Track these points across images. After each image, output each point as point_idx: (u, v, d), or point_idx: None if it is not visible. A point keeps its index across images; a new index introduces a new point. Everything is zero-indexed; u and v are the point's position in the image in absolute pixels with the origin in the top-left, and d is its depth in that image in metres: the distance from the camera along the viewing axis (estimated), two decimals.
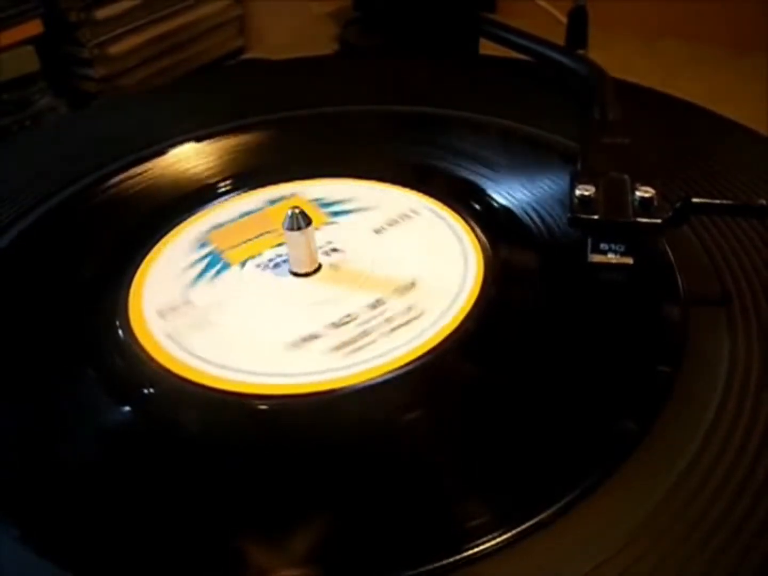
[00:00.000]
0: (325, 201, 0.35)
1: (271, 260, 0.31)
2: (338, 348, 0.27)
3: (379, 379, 0.25)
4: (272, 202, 0.35)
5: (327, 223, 0.33)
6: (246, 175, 0.37)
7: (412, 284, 0.29)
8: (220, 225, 0.34)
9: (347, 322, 0.28)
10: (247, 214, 0.35)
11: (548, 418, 0.24)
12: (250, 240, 0.33)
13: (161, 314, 0.29)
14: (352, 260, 0.31)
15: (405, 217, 0.33)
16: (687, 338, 0.26)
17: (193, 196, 0.36)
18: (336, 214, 0.34)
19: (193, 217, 0.35)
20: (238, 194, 0.36)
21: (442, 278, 0.29)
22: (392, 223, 0.33)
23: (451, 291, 0.28)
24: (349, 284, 0.29)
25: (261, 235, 0.33)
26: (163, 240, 0.33)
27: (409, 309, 0.28)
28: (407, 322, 0.27)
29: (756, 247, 0.30)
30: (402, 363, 0.26)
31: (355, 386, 0.25)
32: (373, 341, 0.27)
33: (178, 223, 0.34)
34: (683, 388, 0.24)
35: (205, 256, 0.32)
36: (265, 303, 0.29)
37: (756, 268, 0.29)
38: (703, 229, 0.31)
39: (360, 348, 0.26)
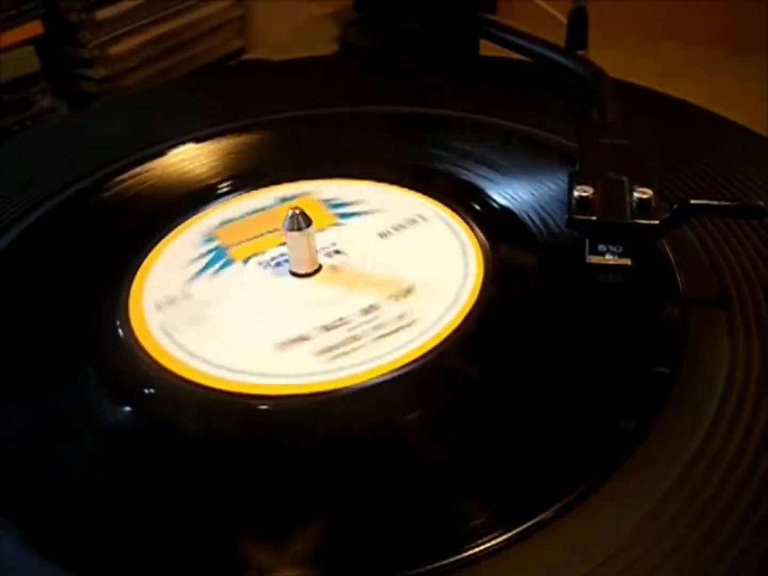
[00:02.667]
0: (336, 202, 0.35)
1: (273, 259, 0.31)
2: (323, 352, 0.27)
3: (361, 385, 0.25)
4: (284, 200, 0.35)
5: (334, 225, 0.33)
6: (256, 174, 0.37)
7: (409, 291, 0.29)
8: (229, 221, 0.34)
9: (338, 326, 0.28)
10: (257, 211, 0.35)
11: (548, 419, 0.24)
12: (256, 237, 0.33)
13: (158, 306, 0.30)
14: (352, 263, 0.31)
15: (412, 222, 0.33)
16: (687, 338, 0.26)
17: (198, 195, 0.36)
18: (344, 216, 0.34)
19: (201, 214, 0.35)
20: (249, 192, 0.36)
21: (439, 287, 0.29)
22: (398, 227, 0.33)
23: (446, 301, 0.28)
24: (346, 288, 0.29)
25: (268, 232, 0.33)
26: (169, 236, 0.34)
27: (401, 317, 0.28)
28: (396, 330, 0.27)
29: (756, 247, 0.30)
30: (385, 371, 0.26)
31: (344, 389, 0.25)
32: (360, 347, 0.27)
33: (183, 221, 0.35)
34: (683, 388, 0.24)
35: (211, 251, 0.32)
36: (261, 302, 0.29)
37: (756, 268, 0.29)
38: (703, 229, 0.31)
39: (345, 353, 0.26)
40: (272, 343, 0.27)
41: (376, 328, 0.27)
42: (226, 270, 0.31)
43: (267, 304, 0.29)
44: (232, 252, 0.32)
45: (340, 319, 0.28)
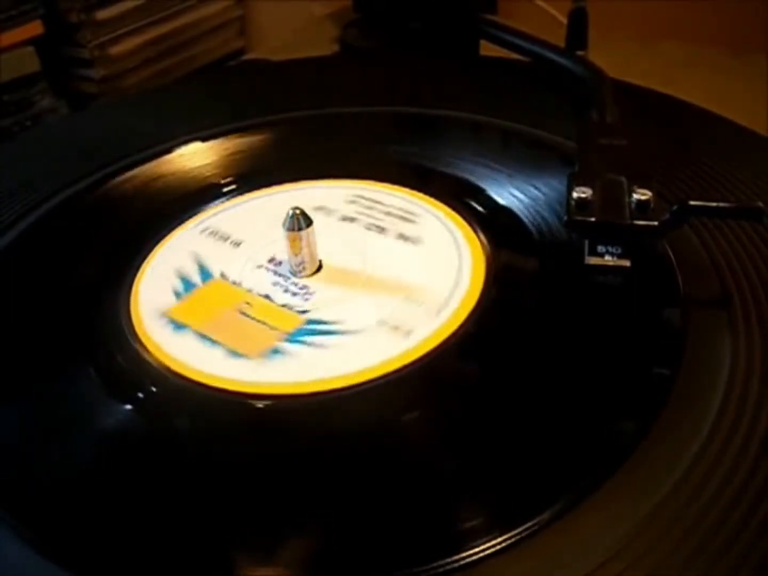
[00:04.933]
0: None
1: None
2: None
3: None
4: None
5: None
6: (256, 174, 0.38)
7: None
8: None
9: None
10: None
11: (547, 420, 0.24)
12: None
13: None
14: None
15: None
16: (687, 338, 0.26)
17: (198, 195, 0.37)
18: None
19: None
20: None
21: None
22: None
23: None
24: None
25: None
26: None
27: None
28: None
29: (757, 247, 0.30)
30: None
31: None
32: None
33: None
34: (683, 389, 0.24)
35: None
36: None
37: (757, 268, 0.29)
38: (704, 229, 0.31)
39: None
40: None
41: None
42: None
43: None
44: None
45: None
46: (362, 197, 0.35)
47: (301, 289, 0.30)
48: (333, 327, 0.28)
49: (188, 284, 0.31)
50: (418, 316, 0.28)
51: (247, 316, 0.29)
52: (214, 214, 0.35)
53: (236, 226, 0.34)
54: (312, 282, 0.30)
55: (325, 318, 0.28)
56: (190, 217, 0.35)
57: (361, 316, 0.28)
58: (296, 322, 0.28)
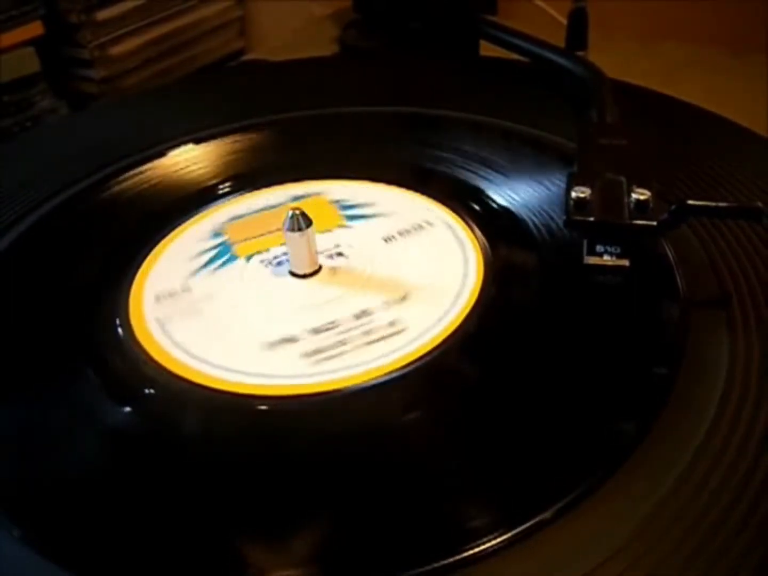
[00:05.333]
0: (347, 203, 0.35)
1: (275, 257, 0.31)
2: (310, 355, 0.27)
3: (361, 386, 0.25)
4: (296, 198, 0.35)
5: (341, 226, 0.33)
6: (256, 174, 0.38)
7: (404, 298, 0.29)
8: (239, 216, 0.35)
9: (328, 329, 0.28)
10: (268, 209, 0.35)
11: (547, 420, 0.24)
12: (262, 235, 0.33)
13: (158, 299, 0.30)
14: (352, 266, 0.31)
15: (418, 227, 0.33)
16: (687, 338, 0.26)
17: (198, 195, 0.37)
18: (352, 218, 0.34)
19: (208, 210, 0.35)
20: (253, 192, 0.36)
21: (435, 296, 0.29)
22: (404, 233, 0.33)
23: (440, 310, 0.28)
24: (343, 291, 0.29)
25: (275, 230, 0.33)
26: (170, 235, 0.34)
27: (392, 324, 0.28)
28: (385, 337, 0.27)
29: (756, 247, 0.30)
30: (383, 372, 0.26)
31: (343, 390, 0.25)
32: (347, 352, 0.27)
33: (183, 221, 0.35)
34: (683, 389, 0.24)
35: (216, 246, 0.33)
36: (256, 299, 0.30)
37: (756, 268, 0.29)
38: (703, 229, 0.31)
39: (331, 357, 0.26)
40: (261, 342, 0.27)
41: (366, 333, 0.27)
42: (229, 266, 0.31)
43: (262, 302, 0.29)
44: (237, 248, 0.32)
45: (331, 322, 0.28)
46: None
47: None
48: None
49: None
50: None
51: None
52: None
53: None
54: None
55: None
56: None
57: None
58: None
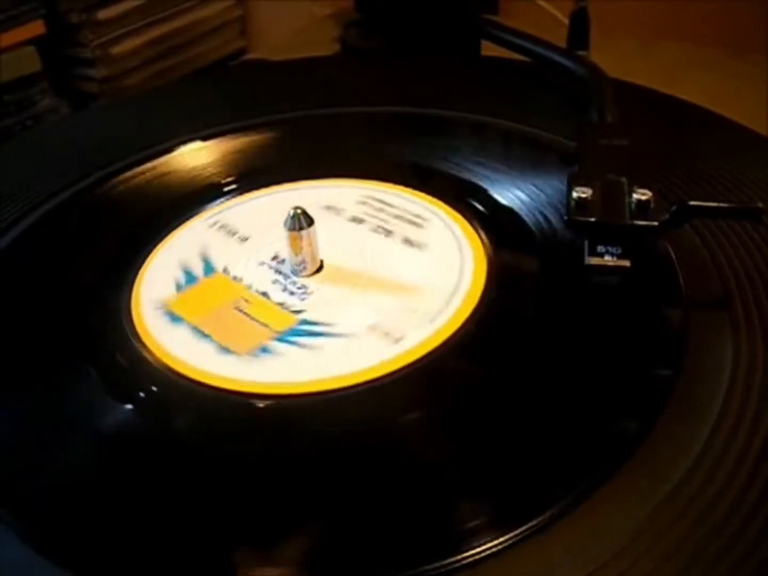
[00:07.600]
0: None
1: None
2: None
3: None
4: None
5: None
6: (257, 174, 0.38)
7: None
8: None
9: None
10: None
11: (548, 421, 0.24)
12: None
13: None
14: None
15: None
16: (689, 339, 0.26)
17: (199, 195, 0.37)
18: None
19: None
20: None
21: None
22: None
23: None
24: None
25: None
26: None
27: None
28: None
29: (759, 247, 0.30)
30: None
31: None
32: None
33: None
34: (685, 390, 0.24)
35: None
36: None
37: (759, 268, 0.29)
38: (705, 229, 0.31)
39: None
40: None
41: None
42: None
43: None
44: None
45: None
46: (371, 198, 0.35)
47: (299, 288, 0.30)
48: (324, 329, 0.28)
49: (190, 277, 0.31)
50: (413, 321, 0.28)
51: (243, 312, 0.29)
52: (222, 210, 0.35)
53: (244, 222, 0.34)
54: (311, 282, 0.30)
55: (318, 319, 0.28)
56: (190, 217, 0.35)
57: (355, 319, 0.28)
58: (289, 321, 0.28)
